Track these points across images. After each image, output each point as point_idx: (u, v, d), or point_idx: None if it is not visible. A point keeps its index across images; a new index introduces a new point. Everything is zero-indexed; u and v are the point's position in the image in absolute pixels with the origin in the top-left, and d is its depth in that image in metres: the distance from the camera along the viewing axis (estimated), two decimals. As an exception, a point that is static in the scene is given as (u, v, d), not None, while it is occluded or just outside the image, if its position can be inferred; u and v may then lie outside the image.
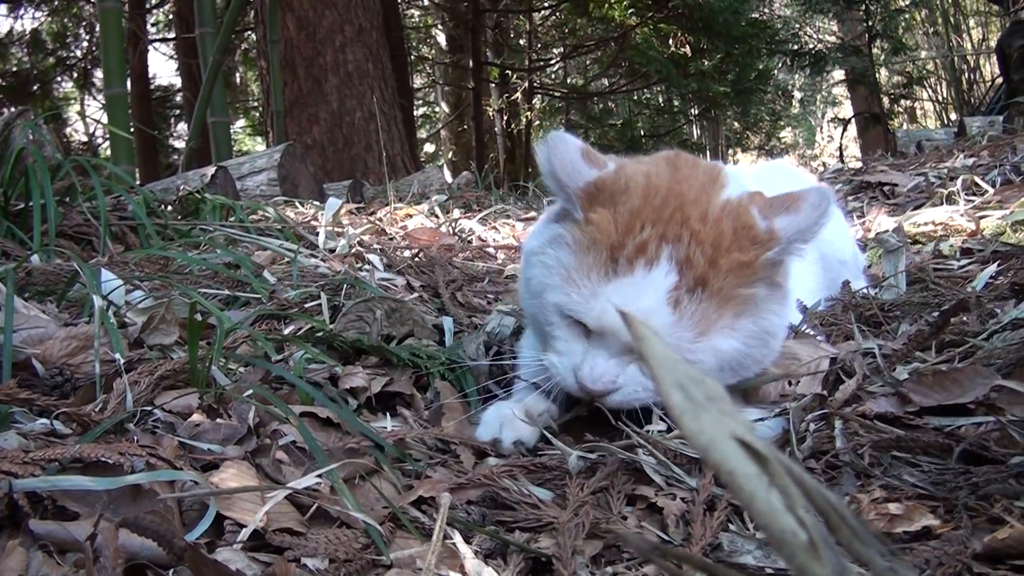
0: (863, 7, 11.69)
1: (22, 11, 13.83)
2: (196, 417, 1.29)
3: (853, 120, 14.22)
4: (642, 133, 14.15)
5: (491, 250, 3.47)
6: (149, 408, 1.29)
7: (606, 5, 11.69)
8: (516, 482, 1.21)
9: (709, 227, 1.30)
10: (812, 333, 1.64)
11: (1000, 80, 9.56)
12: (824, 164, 13.93)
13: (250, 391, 1.34)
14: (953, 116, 14.40)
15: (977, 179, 3.90)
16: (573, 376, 1.34)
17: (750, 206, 1.34)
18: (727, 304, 1.29)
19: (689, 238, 1.29)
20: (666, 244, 1.29)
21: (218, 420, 1.29)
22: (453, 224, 3.98)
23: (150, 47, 14.34)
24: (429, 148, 19.25)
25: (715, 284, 1.28)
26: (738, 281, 1.30)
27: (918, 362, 1.50)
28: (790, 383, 1.47)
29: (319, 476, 1.11)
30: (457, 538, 1.03)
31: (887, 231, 2.67)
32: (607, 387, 1.31)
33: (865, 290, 2.14)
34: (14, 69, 14.25)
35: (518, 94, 13.61)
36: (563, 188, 1.39)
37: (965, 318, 1.72)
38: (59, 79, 15.07)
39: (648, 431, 1.32)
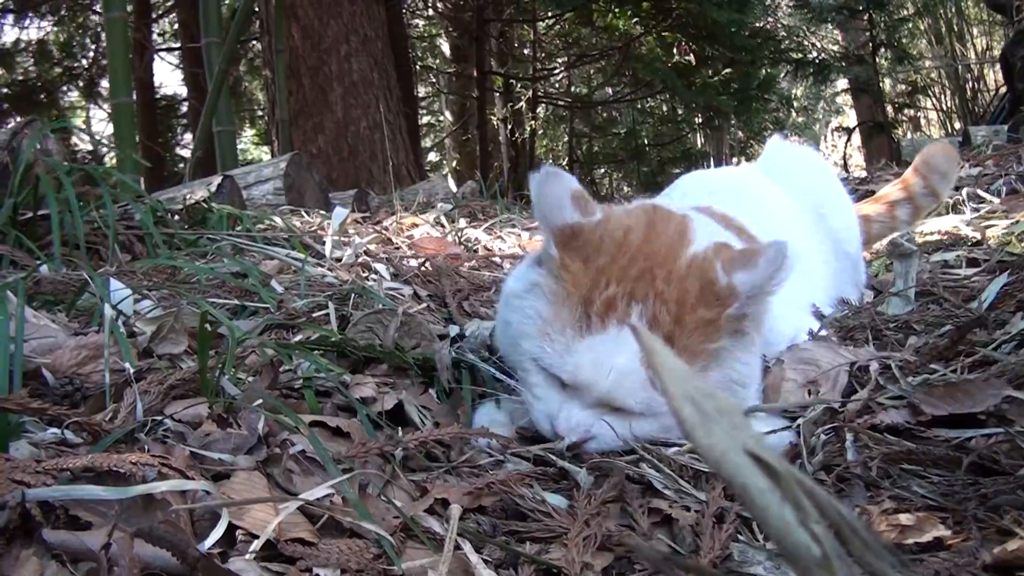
0: (867, 16, 11.69)
1: (28, 21, 13.89)
2: (206, 427, 1.29)
3: (857, 129, 14.20)
4: (646, 142, 14.15)
5: (497, 259, 3.47)
6: (159, 417, 1.29)
7: (610, 15, 11.69)
8: (531, 490, 1.22)
9: (673, 287, 1.33)
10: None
11: (1004, 89, 9.56)
12: (828, 173, 13.87)
13: (260, 400, 1.35)
14: (957, 125, 14.39)
15: (979, 192, 3.90)
16: (549, 423, 1.37)
17: (714, 261, 1.37)
18: (694, 360, 1.32)
19: (654, 298, 1.32)
20: (635, 303, 1.32)
21: (228, 430, 1.29)
22: (459, 233, 3.99)
23: (156, 56, 14.39)
24: (433, 157, 19.26)
25: (681, 342, 1.31)
26: (703, 337, 1.33)
27: (927, 373, 1.50)
28: (810, 392, 1.48)
29: (331, 487, 1.11)
30: (468, 548, 1.03)
31: (900, 235, 2.65)
32: (582, 436, 1.35)
33: (870, 293, 2.17)
34: (20, 78, 14.29)
35: (522, 103, 13.60)
36: (544, 220, 1.42)
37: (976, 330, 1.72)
38: (65, 88, 15.11)
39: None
